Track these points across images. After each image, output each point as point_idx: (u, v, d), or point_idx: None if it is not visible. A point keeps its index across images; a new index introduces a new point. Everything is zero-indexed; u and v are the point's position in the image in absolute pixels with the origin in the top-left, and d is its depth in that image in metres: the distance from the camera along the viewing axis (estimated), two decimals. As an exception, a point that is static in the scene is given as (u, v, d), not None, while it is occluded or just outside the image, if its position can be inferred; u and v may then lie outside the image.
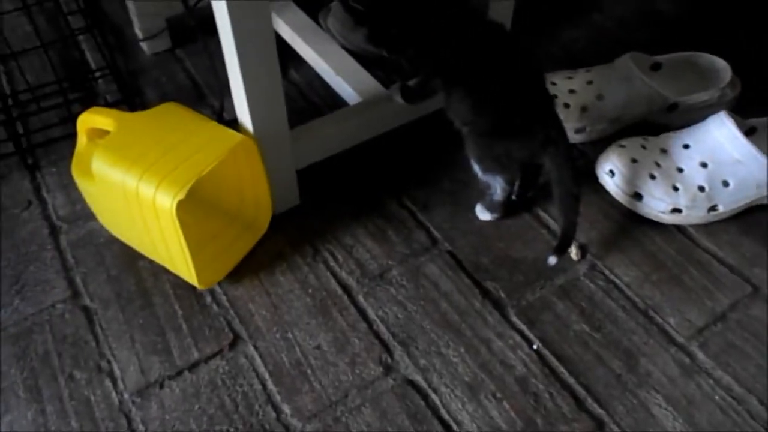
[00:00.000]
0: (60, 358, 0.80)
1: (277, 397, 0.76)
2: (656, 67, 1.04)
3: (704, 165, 0.89)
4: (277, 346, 0.80)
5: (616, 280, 0.86)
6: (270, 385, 0.77)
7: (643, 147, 0.92)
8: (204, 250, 0.83)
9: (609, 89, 0.99)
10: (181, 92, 1.13)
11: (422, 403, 0.75)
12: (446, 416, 0.74)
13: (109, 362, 0.80)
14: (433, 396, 0.76)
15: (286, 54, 1.13)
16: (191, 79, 1.16)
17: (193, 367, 0.79)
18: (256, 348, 0.80)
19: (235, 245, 0.88)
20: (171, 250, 0.81)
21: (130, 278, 0.87)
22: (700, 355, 0.79)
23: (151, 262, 0.88)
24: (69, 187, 0.98)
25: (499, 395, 0.76)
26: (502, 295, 0.85)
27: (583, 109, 0.99)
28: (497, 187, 0.88)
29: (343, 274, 0.87)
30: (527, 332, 0.81)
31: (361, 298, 0.85)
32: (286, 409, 0.75)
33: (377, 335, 0.81)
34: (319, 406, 0.75)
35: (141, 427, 0.74)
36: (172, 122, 0.84)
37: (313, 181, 0.95)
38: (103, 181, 0.80)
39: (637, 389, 0.76)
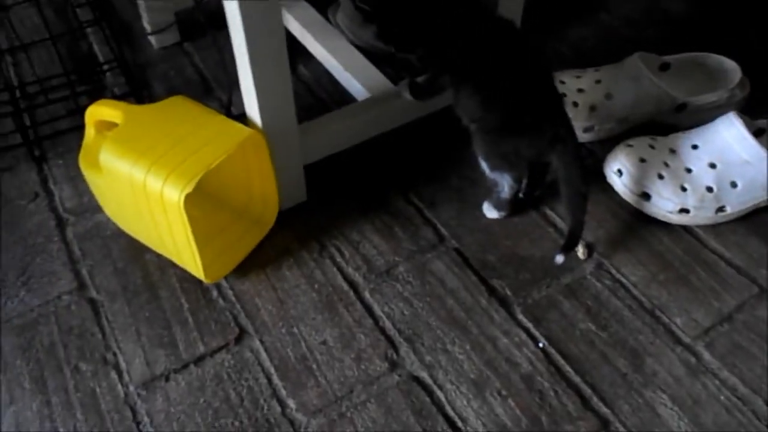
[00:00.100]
0: (66, 350, 0.80)
1: (283, 392, 0.76)
2: (665, 67, 1.03)
3: (713, 166, 0.89)
4: (282, 341, 0.80)
5: (623, 280, 0.86)
6: (275, 379, 0.77)
7: (652, 147, 0.92)
8: (211, 244, 0.83)
9: (617, 89, 0.99)
10: (189, 86, 1.13)
11: (427, 399, 0.75)
12: (451, 413, 0.74)
13: (114, 355, 0.80)
14: (439, 393, 0.76)
15: (295, 50, 1.13)
16: (199, 73, 1.16)
17: (198, 360, 0.79)
18: (261, 342, 0.80)
19: (242, 240, 0.88)
20: (178, 244, 0.81)
21: (137, 271, 0.87)
22: (706, 356, 0.78)
23: (158, 255, 0.88)
24: (76, 179, 0.98)
25: (504, 393, 0.76)
26: (509, 292, 0.85)
27: (592, 108, 0.99)
28: (505, 184, 0.88)
29: (350, 270, 0.87)
30: (533, 330, 0.81)
31: (367, 294, 0.85)
32: (291, 403, 0.75)
33: (383, 331, 0.81)
34: (324, 401, 0.75)
35: (146, 420, 0.74)
36: (180, 115, 0.84)
37: (320, 176, 0.95)
38: (111, 173, 0.80)
39: (642, 389, 0.76)
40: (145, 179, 0.77)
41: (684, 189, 0.89)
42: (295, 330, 0.81)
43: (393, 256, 0.89)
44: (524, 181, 0.91)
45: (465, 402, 0.75)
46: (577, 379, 0.77)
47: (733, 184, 0.88)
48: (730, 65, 1.02)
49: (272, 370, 0.78)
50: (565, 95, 0.98)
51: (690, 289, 0.85)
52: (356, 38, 1.11)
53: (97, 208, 0.93)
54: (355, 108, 0.98)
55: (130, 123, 0.83)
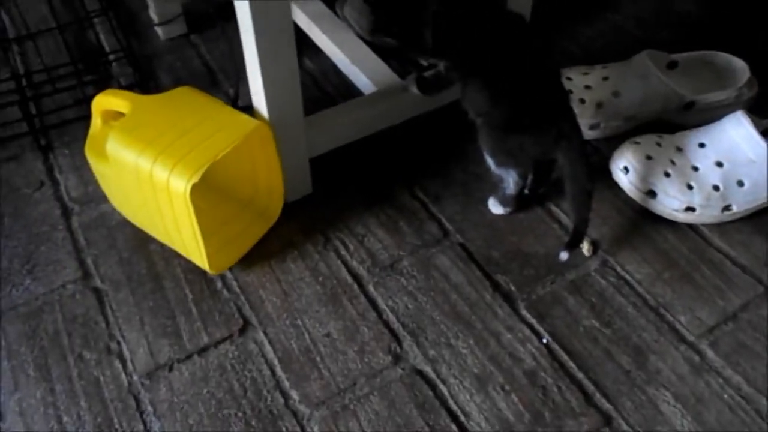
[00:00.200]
0: (70, 338, 0.80)
1: (286, 384, 0.76)
2: (673, 65, 1.03)
3: (719, 164, 0.89)
4: (286, 333, 0.81)
5: (628, 277, 0.86)
6: (279, 371, 0.77)
7: (659, 144, 0.92)
8: (216, 235, 0.83)
9: (625, 86, 0.98)
10: (195, 78, 1.13)
11: (430, 393, 0.75)
12: (454, 407, 0.74)
13: (118, 344, 0.80)
14: (442, 387, 0.76)
15: (302, 43, 1.12)
16: (205, 65, 1.16)
17: (202, 351, 0.79)
18: (265, 334, 0.80)
19: (247, 232, 0.88)
20: (183, 234, 0.81)
21: (142, 261, 0.87)
22: (710, 354, 0.78)
23: (163, 245, 0.88)
24: (81, 168, 0.98)
25: (507, 388, 0.76)
26: (513, 288, 0.85)
27: (599, 105, 0.99)
28: (510, 180, 0.88)
29: (354, 264, 0.87)
30: (537, 326, 0.81)
31: (371, 288, 0.85)
32: (294, 395, 0.75)
33: (387, 325, 0.81)
34: (327, 393, 0.75)
35: (149, 409, 0.74)
36: (187, 106, 0.84)
37: (326, 169, 0.95)
38: (117, 162, 0.80)
39: (645, 386, 0.76)
40: (151, 169, 0.77)
41: (690, 187, 0.89)
42: (299, 322, 0.81)
43: (397, 250, 0.89)
44: (530, 178, 0.91)
45: (468, 396, 0.75)
46: (580, 375, 0.77)
47: (740, 183, 0.88)
48: (739, 64, 1.01)
49: (276, 362, 0.78)
50: (571, 92, 0.98)
51: (695, 288, 0.84)
52: (364, 32, 1.11)
53: (103, 198, 0.93)
54: (362, 101, 0.98)
55: (137, 113, 0.83)
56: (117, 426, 0.73)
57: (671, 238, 0.90)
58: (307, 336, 0.80)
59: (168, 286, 0.85)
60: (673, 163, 0.90)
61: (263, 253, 0.88)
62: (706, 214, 0.89)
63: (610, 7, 1.26)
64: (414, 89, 0.91)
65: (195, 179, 0.74)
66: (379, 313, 0.82)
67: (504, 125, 0.84)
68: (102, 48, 1.18)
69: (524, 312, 0.82)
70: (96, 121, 0.88)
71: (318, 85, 1.11)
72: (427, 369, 0.77)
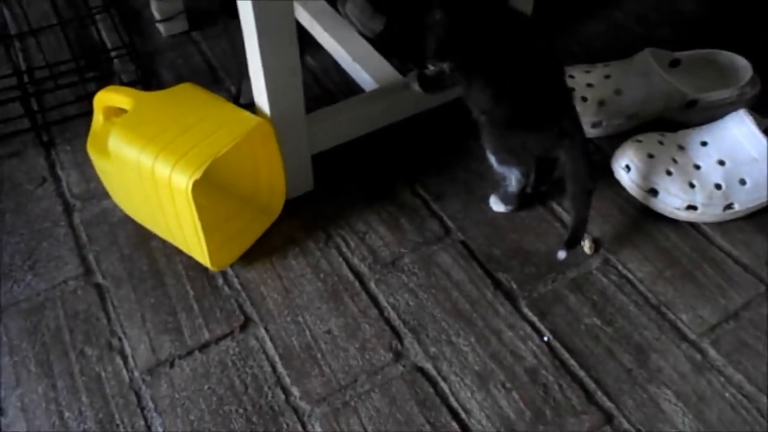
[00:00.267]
0: (71, 334, 0.80)
1: (287, 380, 0.76)
2: (675, 63, 1.03)
3: (722, 163, 0.88)
4: (287, 330, 0.81)
5: (629, 275, 0.85)
6: (280, 367, 0.77)
7: (660, 143, 0.92)
8: (218, 231, 0.83)
9: (627, 84, 0.98)
10: (197, 75, 1.13)
11: (431, 390, 0.75)
12: (455, 404, 0.74)
13: (120, 340, 0.80)
14: (443, 384, 0.76)
15: (303, 40, 1.12)
16: (207, 62, 1.16)
17: (203, 347, 0.79)
18: (266, 330, 0.81)
19: (249, 228, 0.88)
20: (185, 231, 0.81)
21: (143, 258, 0.88)
22: (712, 353, 0.78)
23: (164, 242, 0.88)
24: (83, 165, 0.98)
25: (508, 385, 0.76)
26: (514, 286, 0.85)
27: (601, 103, 0.98)
28: (512, 178, 0.88)
29: (355, 261, 0.87)
30: (538, 324, 0.81)
31: (372, 285, 0.85)
32: (295, 391, 0.75)
33: (388, 322, 0.81)
34: (328, 389, 0.75)
35: (150, 405, 0.74)
36: (189, 102, 0.84)
37: (327, 166, 0.95)
38: (119, 159, 0.80)
39: (647, 384, 0.76)
40: (153, 165, 0.77)
41: (692, 186, 0.89)
42: (300, 319, 0.82)
43: (399, 248, 0.89)
44: (531, 176, 0.91)
45: (469, 394, 0.75)
46: (581, 373, 0.77)
47: (742, 182, 0.88)
48: (741, 63, 1.01)
49: (277, 359, 0.78)
50: (573, 90, 0.98)
51: (696, 286, 0.84)
52: (365, 29, 1.11)
53: (104, 195, 0.93)
54: (363, 99, 0.98)
55: (139, 109, 0.83)
56: (118, 422, 0.73)
57: (673, 236, 0.90)
58: (308, 333, 0.80)
59: (169, 283, 0.85)
60: (675, 161, 0.90)
61: (264, 249, 0.88)
62: (708, 213, 0.89)
63: (612, 4, 1.25)
64: (416, 87, 0.91)
65: (197, 176, 0.74)
66: (381, 310, 0.82)
67: (507, 123, 0.84)
68: (104, 44, 1.18)
69: (525, 310, 0.82)
70: (98, 118, 0.88)
71: (319, 82, 1.11)
72: (428, 366, 0.77)
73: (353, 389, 0.76)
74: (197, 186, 0.74)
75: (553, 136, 0.82)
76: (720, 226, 0.90)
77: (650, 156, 0.90)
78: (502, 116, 0.83)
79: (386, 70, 1.01)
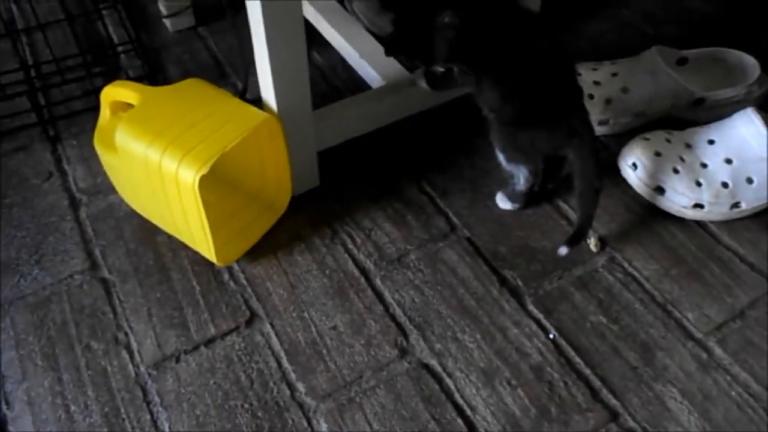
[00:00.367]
0: (77, 328, 0.81)
1: (292, 376, 0.76)
2: (683, 61, 1.03)
3: (729, 161, 0.88)
4: (293, 325, 0.81)
5: (635, 273, 0.85)
6: (285, 363, 0.77)
7: (668, 141, 0.91)
8: (224, 227, 0.83)
9: (634, 82, 0.98)
10: (203, 70, 1.13)
11: (437, 387, 0.75)
12: (460, 401, 0.74)
13: (126, 334, 0.80)
14: (448, 380, 0.76)
15: (309, 36, 1.12)
16: (213, 57, 1.16)
17: (209, 342, 0.79)
18: (272, 326, 0.81)
19: (255, 224, 0.88)
20: (191, 226, 0.81)
21: (149, 252, 0.88)
22: (718, 351, 0.78)
23: (170, 237, 0.88)
24: (90, 160, 0.98)
25: (514, 382, 0.76)
26: (520, 283, 0.85)
27: (608, 101, 0.98)
28: (520, 177, 0.88)
29: (361, 257, 0.87)
30: (544, 321, 0.81)
31: (378, 281, 0.85)
32: (300, 387, 0.76)
33: (393, 318, 0.81)
34: (333, 385, 0.76)
35: (156, 399, 0.75)
36: (196, 98, 0.84)
37: (333, 163, 0.95)
38: (126, 153, 0.80)
39: (652, 382, 0.76)
40: (160, 160, 0.77)
41: (699, 184, 0.88)
42: (306, 315, 0.82)
43: (404, 244, 0.89)
44: (540, 175, 0.90)
45: (474, 390, 0.75)
46: (587, 371, 0.77)
47: (749, 181, 0.88)
48: (750, 61, 1.01)
49: (282, 354, 0.78)
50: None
51: (702, 285, 0.84)
52: (373, 26, 1.10)
53: (110, 189, 0.93)
54: (370, 95, 0.98)
55: (146, 104, 0.83)
56: (124, 416, 0.73)
57: (679, 234, 0.89)
58: (313, 328, 0.80)
59: (175, 278, 0.85)
60: (682, 159, 0.90)
61: (270, 245, 0.88)
62: (715, 212, 0.89)
63: (619, 2, 1.25)
64: (422, 84, 0.91)
65: (204, 171, 0.74)
66: (386, 306, 0.82)
67: (516, 121, 0.83)
68: (111, 40, 1.18)
69: (531, 307, 0.82)
70: (105, 112, 0.88)
71: (326, 79, 1.11)
72: (434, 363, 0.77)
73: (358, 385, 0.76)
74: (204, 181, 0.74)
75: (562, 135, 0.82)
76: (727, 224, 0.90)
77: (657, 154, 0.90)
78: (511, 114, 0.82)
79: (393, 66, 1.01)
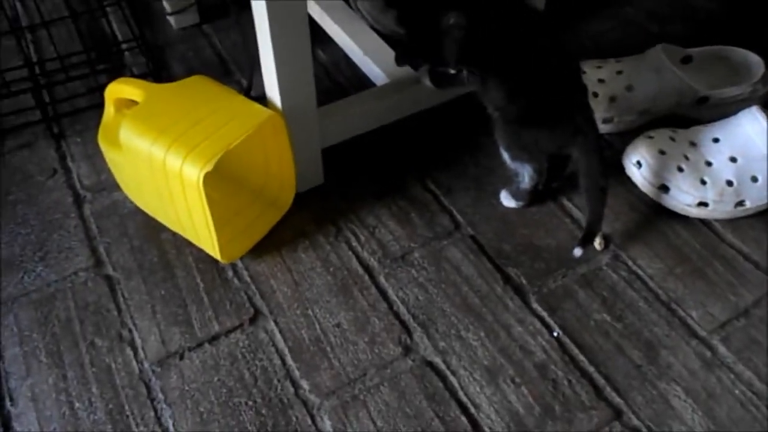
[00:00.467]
0: (82, 325, 0.81)
1: (296, 373, 0.77)
2: (687, 59, 1.02)
3: (733, 159, 0.88)
4: (297, 323, 0.81)
5: (639, 272, 0.85)
6: (289, 360, 0.78)
7: (672, 139, 0.91)
8: (228, 224, 0.83)
9: (639, 80, 0.98)
10: (208, 68, 1.13)
11: (440, 384, 0.75)
12: (464, 398, 0.74)
13: (130, 331, 0.80)
14: (452, 378, 0.76)
15: (314, 34, 1.12)
16: (218, 54, 1.16)
17: (213, 339, 0.79)
18: (276, 323, 0.81)
19: (259, 221, 0.88)
20: (195, 223, 0.81)
21: (153, 250, 0.88)
22: (722, 350, 0.78)
23: (174, 234, 0.88)
24: (94, 157, 0.98)
25: (517, 380, 0.76)
26: (524, 281, 0.85)
27: (612, 99, 0.98)
28: (525, 175, 0.88)
29: (365, 255, 0.87)
30: (548, 319, 0.81)
31: (382, 279, 0.85)
32: (304, 384, 0.76)
33: (397, 316, 0.81)
34: (337, 383, 0.76)
35: (160, 396, 0.75)
36: (201, 95, 0.84)
37: (337, 160, 0.95)
38: (131, 150, 0.80)
39: (656, 380, 0.75)
40: (164, 157, 0.77)
41: (703, 182, 0.88)
42: (310, 312, 0.82)
43: (408, 242, 0.89)
44: (545, 174, 0.90)
45: (478, 388, 0.75)
46: (591, 369, 0.77)
47: (754, 179, 0.87)
48: (754, 59, 1.00)
49: (286, 351, 0.78)
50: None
51: (707, 283, 0.84)
52: (377, 23, 1.10)
53: (115, 186, 0.94)
54: (374, 92, 0.98)
55: (151, 101, 0.83)
56: (128, 413, 0.74)
57: (684, 233, 0.89)
58: (317, 326, 0.80)
59: (179, 275, 0.85)
60: (686, 158, 0.90)
61: (274, 242, 0.88)
62: (719, 210, 0.89)
63: (623, 0, 1.25)
64: (427, 82, 0.91)
65: (208, 168, 0.74)
66: (390, 304, 0.82)
67: (520, 120, 0.83)
68: (115, 37, 1.18)
69: (535, 305, 0.82)
70: (109, 110, 0.88)
71: (330, 76, 1.11)
72: (438, 360, 0.77)
73: (362, 383, 0.76)
74: (208, 178, 0.75)
75: (566, 133, 0.82)
76: (731, 223, 0.90)
77: (661, 152, 0.90)
78: (516, 113, 0.82)
79: (397, 64, 1.01)
